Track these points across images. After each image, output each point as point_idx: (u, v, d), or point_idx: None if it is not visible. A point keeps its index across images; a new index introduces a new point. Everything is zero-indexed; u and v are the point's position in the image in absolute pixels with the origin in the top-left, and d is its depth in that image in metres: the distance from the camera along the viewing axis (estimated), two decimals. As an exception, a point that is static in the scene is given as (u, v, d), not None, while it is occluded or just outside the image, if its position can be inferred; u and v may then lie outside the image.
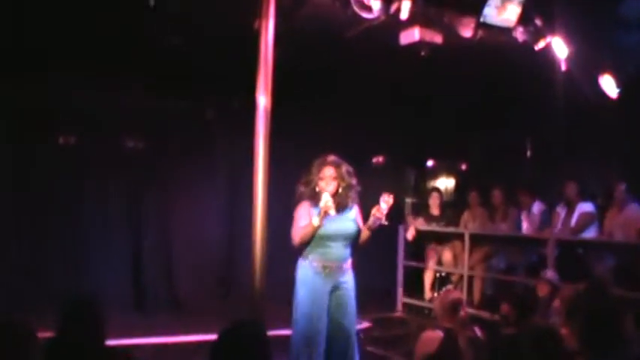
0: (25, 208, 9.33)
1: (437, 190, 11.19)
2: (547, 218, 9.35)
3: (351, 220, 6.11)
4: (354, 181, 6.16)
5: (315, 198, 5.99)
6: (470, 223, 10.29)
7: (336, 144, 10.76)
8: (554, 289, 6.74)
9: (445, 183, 13.08)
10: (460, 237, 9.88)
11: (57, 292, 8.89)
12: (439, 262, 10.31)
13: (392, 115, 10.77)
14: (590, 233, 8.72)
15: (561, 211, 9.08)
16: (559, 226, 9.00)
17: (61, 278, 9.35)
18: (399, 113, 10.75)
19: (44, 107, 9.16)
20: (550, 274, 7.21)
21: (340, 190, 6.05)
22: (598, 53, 8.36)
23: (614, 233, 8.54)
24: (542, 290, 6.93)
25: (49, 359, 3.63)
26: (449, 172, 13.22)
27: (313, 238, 5.94)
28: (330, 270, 5.97)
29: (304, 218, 5.99)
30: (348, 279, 6.10)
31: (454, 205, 11.24)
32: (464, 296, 8.61)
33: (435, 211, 10.61)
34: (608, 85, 8.31)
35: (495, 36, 7.66)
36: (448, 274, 10.28)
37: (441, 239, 10.36)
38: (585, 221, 8.72)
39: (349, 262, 6.13)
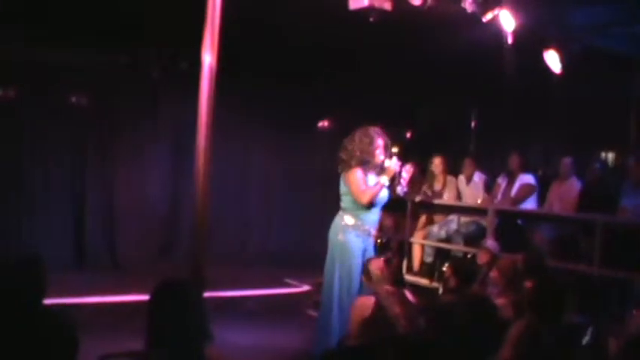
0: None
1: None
2: (490, 188, 9.45)
3: (385, 188, 6.46)
4: (390, 153, 6.51)
5: (368, 165, 6.33)
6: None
7: (283, 108, 10.79)
8: (493, 259, 6.83)
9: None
10: (401, 204, 9.93)
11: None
12: (380, 229, 10.36)
13: (338, 80, 10.74)
14: (530, 205, 8.84)
15: (502, 181, 9.16)
16: (499, 196, 9.10)
17: (0, 237, 9.21)
18: (345, 78, 10.72)
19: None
20: (490, 242, 7.30)
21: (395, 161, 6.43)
22: (543, 28, 8.42)
23: (553, 205, 8.69)
24: (482, 258, 7.01)
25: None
26: (394, 139, 13.22)
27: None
28: (368, 233, 6.39)
29: (363, 181, 6.29)
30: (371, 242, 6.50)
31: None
32: (403, 263, 8.72)
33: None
34: (553, 60, 8.38)
35: (444, 5, 7.65)
36: (389, 240, 10.34)
37: (383, 206, 10.39)
38: (525, 192, 8.83)
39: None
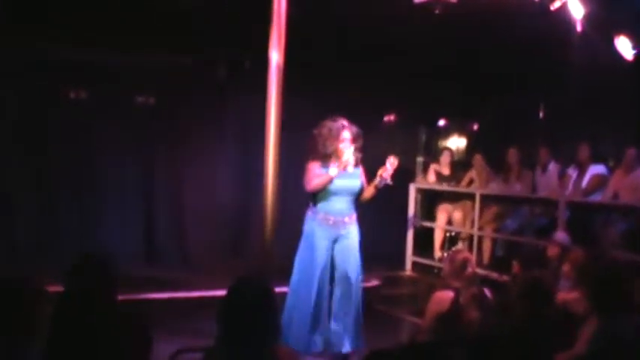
0: (38, 163, 9.36)
1: (448, 149, 11.14)
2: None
3: (356, 178, 6.51)
4: (361, 143, 6.54)
5: (328, 157, 6.38)
6: (475, 183, 10.27)
7: (349, 102, 10.79)
8: (563, 252, 6.70)
9: (457, 143, 13.01)
10: (471, 197, 9.86)
11: (69, 247, 8.95)
12: (449, 222, 10.31)
13: (405, 75, 10.68)
14: (601, 196, 8.67)
15: (573, 173, 9.02)
16: (570, 188, 8.96)
17: (73, 233, 9.40)
18: (412, 72, 10.65)
19: (57, 62, 9.11)
20: (561, 235, 7.16)
21: (352, 151, 6.42)
22: (614, 14, 8.25)
23: (620, 195, 8.50)
24: (552, 251, 6.90)
25: (59, 313, 3.65)
26: (461, 131, 13.13)
27: (322, 193, 6.37)
28: (334, 222, 6.41)
29: (317, 170, 6.37)
30: (351, 230, 6.53)
31: (464, 165, 11.18)
32: (473, 256, 8.64)
33: (445, 170, 10.57)
34: (624, 46, 8.20)
35: (511, -6, 7.57)
36: (458, 234, 10.28)
37: (452, 199, 10.35)
38: (596, 183, 8.68)
39: (353, 216, 6.55)
